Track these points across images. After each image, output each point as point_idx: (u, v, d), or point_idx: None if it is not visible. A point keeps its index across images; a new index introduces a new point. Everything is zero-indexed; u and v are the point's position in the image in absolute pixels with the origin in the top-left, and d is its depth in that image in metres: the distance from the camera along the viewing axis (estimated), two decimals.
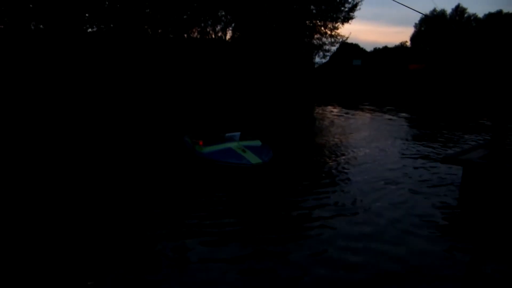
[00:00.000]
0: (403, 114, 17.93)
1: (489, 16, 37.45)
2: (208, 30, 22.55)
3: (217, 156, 7.85)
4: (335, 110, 20.22)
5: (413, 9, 28.02)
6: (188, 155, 8.83)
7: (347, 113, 18.72)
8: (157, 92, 16.84)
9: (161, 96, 16.79)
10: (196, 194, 6.65)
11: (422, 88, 26.61)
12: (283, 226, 5.42)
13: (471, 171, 6.13)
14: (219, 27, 23.08)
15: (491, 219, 5.50)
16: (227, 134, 8.97)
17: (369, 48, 39.24)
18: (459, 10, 40.53)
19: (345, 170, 8.32)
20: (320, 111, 19.89)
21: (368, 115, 18.39)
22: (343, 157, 9.61)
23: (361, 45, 39.91)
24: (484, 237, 5.03)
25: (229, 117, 14.73)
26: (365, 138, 12.27)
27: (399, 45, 40.69)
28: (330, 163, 9.00)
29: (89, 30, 17.67)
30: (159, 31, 19.61)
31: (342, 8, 25.28)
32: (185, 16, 20.04)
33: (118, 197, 6.35)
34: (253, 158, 7.65)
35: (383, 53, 37.49)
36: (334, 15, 25.66)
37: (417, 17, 52.77)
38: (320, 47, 27.38)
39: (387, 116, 17.36)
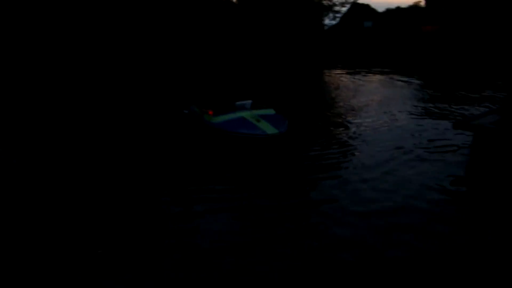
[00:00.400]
0: (415, 78, 17.54)
1: None
2: None
3: (230, 126, 7.47)
4: (345, 73, 19.86)
5: None
6: (197, 125, 8.61)
7: (357, 77, 18.38)
8: (160, 59, 16.54)
9: (164, 63, 16.50)
10: (207, 166, 6.86)
11: (435, 51, 25.85)
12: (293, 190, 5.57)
13: (482, 137, 6.04)
14: None
15: (500, 186, 5.47)
16: (237, 103, 8.55)
17: (381, 9, 38.13)
18: None
19: (357, 136, 8.31)
20: (329, 76, 19.56)
21: (379, 78, 18.04)
22: (354, 122, 9.54)
23: (373, 6, 38.75)
24: (490, 205, 5.02)
25: (235, 84, 14.55)
26: (376, 103, 12.11)
27: (412, 5, 39.26)
28: (341, 131, 8.96)
29: None
30: None
31: None
32: None
33: (125, 172, 6.51)
34: (268, 128, 7.21)
35: (396, 14, 36.21)
36: None
37: None
38: (330, 8, 26.55)
39: (399, 80, 17.01)
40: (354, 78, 18.13)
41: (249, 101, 8.66)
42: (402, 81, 16.87)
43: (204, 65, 17.40)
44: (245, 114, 7.78)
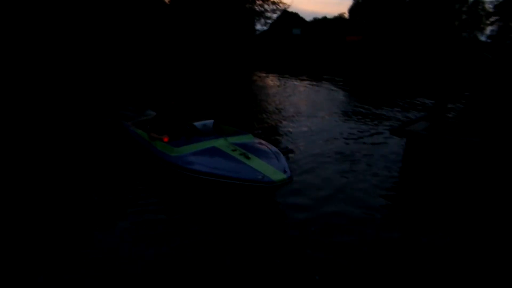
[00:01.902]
0: (341, 84, 18.16)
1: None
2: None
3: (203, 164, 4.91)
4: (274, 78, 20.01)
5: None
6: (143, 153, 6.29)
7: (287, 82, 18.56)
8: (79, 61, 15.20)
9: (83, 65, 15.19)
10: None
11: (358, 59, 27.26)
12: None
13: (414, 142, 6.20)
14: None
15: (431, 189, 5.63)
16: (197, 123, 6.22)
17: (308, 18, 39.40)
18: None
19: (290, 141, 8.13)
20: (259, 79, 19.59)
21: (308, 83, 18.37)
22: (286, 127, 9.44)
23: (301, 15, 39.91)
24: (423, 207, 5.12)
25: (164, 88, 13.87)
26: (306, 108, 12.17)
27: (337, 16, 41.29)
28: (275, 136, 8.76)
29: None
30: None
31: None
32: None
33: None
34: (268, 170, 4.56)
35: (322, 23, 37.78)
36: None
37: None
38: (261, 13, 26.83)
39: (325, 87, 17.46)
40: (284, 83, 18.27)
41: (211, 121, 6.34)
42: (329, 87, 17.35)
43: (131, 68, 16.41)
44: (217, 143, 5.34)
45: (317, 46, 31.08)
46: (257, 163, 4.70)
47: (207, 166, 4.85)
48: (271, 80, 19.29)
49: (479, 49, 19.38)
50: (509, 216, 4.79)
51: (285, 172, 4.59)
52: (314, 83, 18.58)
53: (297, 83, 18.58)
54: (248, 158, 4.81)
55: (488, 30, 31.25)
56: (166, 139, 5.58)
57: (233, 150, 5.06)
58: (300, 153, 7.14)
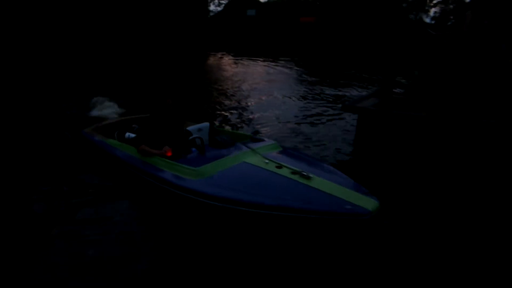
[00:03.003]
0: (296, 65, 18.39)
1: None
2: None
3: (253, 191, 3.35)
4: (229, 59, 19.89)
5: None
6: (131, 180, 4.48)
7: (242, 63, 18.53)
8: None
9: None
10: None
11: (313, 40, 27.61)
12: None
13: (365, 118, 6.46)
14: None
15: (382, 161, 5.94)
16: (191, 127, 4.73)
17: None
18: None
19: (239, 118, 8.23)
20: (214, 60, 19.39)
21: (262, 64, 18.44)
22: (237, 106, 9.49)
23: None
24: (373, 178, 5.38)
25: (111, 77, 13.34)
26: (262, 88, 12.25)
27: None
28: (224, 113, 8.80)
29: None
30: None
31: None
32: None
33: None
34: (349, 194, 3.25)
35: (277, 4, 37.69)
36: None
37: None
38: None
39: (281, 67, 17.62)
40: (239, 64, 18.24)
41: (206, 124, 4.94)
42: (285, 67, 17.52)
43: (70, 58, 15.62)
44: (247, 157, 4.01)
45: (272, 27, 31.07)
46: (325, 185, 3.38)
47: (260, 194, 3.28)
48: (227, 62, 19.15)
49: (424, 27, 20.25)
50: (447, 182, 5.15)
51: (366, 194, 3.30)
52: (270, 63, 18.66)
53: (253, 63, 18.58)
54: (308, 178, 3.46)
55: (432, 11, 32.64)
56: (169, 153, 4.09)
57: (278, 167, 3.71)
58: (261, 125, 7.23)
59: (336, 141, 6.77)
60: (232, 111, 8.91)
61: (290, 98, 10.65)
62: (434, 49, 6.80)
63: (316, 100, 10.39)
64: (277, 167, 3.73)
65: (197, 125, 4.86)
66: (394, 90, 7.62)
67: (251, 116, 8.46)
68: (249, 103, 9.84)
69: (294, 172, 3.58)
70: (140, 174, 4.20)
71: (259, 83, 12.88)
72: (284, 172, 3.62)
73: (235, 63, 18.61)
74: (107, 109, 8.12)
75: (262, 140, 4.61)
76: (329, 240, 3.43)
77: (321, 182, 3.43)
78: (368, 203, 3.12)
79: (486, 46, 6.61)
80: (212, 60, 19.67)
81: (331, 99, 10.52)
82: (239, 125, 7.76)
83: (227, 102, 9.96)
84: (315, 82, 13.61)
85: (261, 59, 20.39)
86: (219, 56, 20.91)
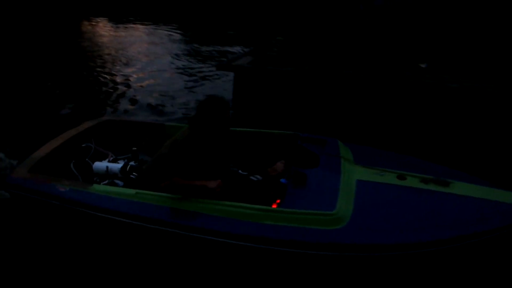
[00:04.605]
0: (176, 29, 18.08)
1: None
2: None
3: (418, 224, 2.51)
4: (106, 24, 18.65)
5: None
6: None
7: (120, 28, 17.57)
8: None
9: None
10: None
11: (190, 2, 27.09)
12: None
13: (241, 75, 6.89)
14: None
15: (259, 115, 6.50)
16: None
17: None
18: None
19: (131, 89, 8.10)
20: (89, 26, 18.01)
21: (142, 29, 17.73)
22: (127, 74, 9.25)
23: None
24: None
25: None
26: (145, 53, 11.95)
27: None
28: (107, 78, 8.53)
29: None
30: None
31: None
32: None
33: None
34: (505, 196, 2.75)
35: None
36: None
37: None
38: None
39: (161, 30, 17.20)
40: (117, 29, 17.28)
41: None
42: (165, 31, 17.12)
43: None
44: (349, 170, 3.02)
45: None
46: (469, 189, 2.82)
47: (425, 225, 2.50)
48: (103, 27, 17.92)
49: None
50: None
51: (498, 187, 2.89)
52: (149, 28, 17.99)
53: (131, 28, 17.71)
54: (446, 184, 2.84)
55: None
56: (276, 204, 2.68)
57: (401, 179, 2.94)
58: (143, 95, 7.24)
59: None
60: (112, 86, 8.64)
61: (172, 64, 10.64)
62: (299, 11, 7.43)
63: (197, 64, 10.58)
64: (398, 177, 2.95)
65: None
66: (268, 50, 8.17)
67: (130, 89, 8.31)
68: (130, 74, 9.60)
69: (424, 181, 2.89)
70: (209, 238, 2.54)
71: (139, 51, 12.49)
72: (413, 182, 2.89)
73: (113, 28, 17.53)
74: None
75: (324, 139, 3.54)
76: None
77: (463, 186, 2.84)
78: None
79: (345, 7, 7.47)
80: (86, 27, 18.20)
81: (211, 60, 10.79)
82: (114, 87, 7.62)
83: (104, 70, 9.56)
84: (196, 44, 13.67)
85: (140, 23, 19.51)
86: (94, 22, 19.40)
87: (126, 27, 17.80)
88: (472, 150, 5.39)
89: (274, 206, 2.65)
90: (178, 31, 17.14)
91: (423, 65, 6.73)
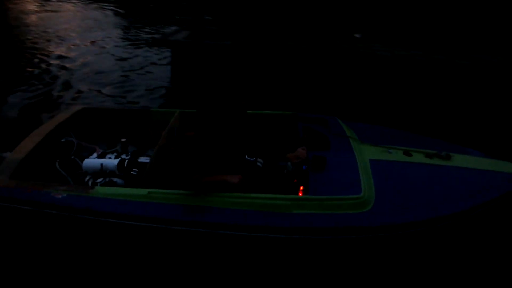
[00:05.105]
0: (111, 5, 17.19)
1: None
2: None
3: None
4: (33, 1, 17.31)
5: None
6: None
7: (48, 4, 16.40)
8: None
9: None
10: None
11: None
12: None
13: (178, 50, 6.71)
14: None
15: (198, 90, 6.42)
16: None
17: None
18: None
19: (57, 63, 7.63)
20: (14, 4, 16.63)
21: (72, 4, 16.68)
22: (52, 52, 8.69)
23: None
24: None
25: None
26: (78, 31, 11.27)
27: None
28: (38, 61, 7.99)
29: None
30: None
31: None
32: None
33: None
34: (500, 165, 3.04)
35: None
36: None
37: None
38: None
39: (95, 7, 16.26)
40: (46, 6, 16.11)
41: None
42: (99, 7, 16.23)
43: None
44: (360, 149, 3.09)
45: None
46: (468, 161, 3.05)
47: (441, 199, 2.64)
48: (31, 4, 16.61)
49: None
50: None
51: (494, 157, 3.17)
52: (80, 4, 16.95)
53: (60, 4, 16.57)
54: (448, 158, 3.02)
55: None
56: (301, 191, 2.65)
57: (407, 155, 3.06)
58: (76, 78, 6.88)
59: (155, 80, 6.93)
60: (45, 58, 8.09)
61: (106, 42, 10.10)
62: None
63: (133, 40, 10.15)
64: (405, 153, 3.07)
65: None
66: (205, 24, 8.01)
67: (62, 71, 7.80)
68: (62, 55, 9.00)
69: (428, 156, 3.04)
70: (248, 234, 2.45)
71: (72, 29, 11.73)
72: (419, 158, 3.02)
73: (41, 5, 16.30)
74: None
75: (324, 118, 3.57)
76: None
77: (462, 159, 3.04)
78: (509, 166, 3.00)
79: None
80: (11, 5, 16.78)
81: (147, 40, 10.39)
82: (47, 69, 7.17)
83: (35, 51, 8.92)
84: (133, 21, 13.10)
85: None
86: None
87: (55, 3, 16.63)
88: (405, 116, 5.67)
89: (300, 194, 2.61)
90: (112, 7, 16.30)
91: (357, 35, 6.91)
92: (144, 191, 2.50)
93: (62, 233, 2.70)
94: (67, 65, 7.73)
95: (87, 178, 3.03)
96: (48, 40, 9.96)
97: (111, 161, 3.03)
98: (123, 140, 3.31)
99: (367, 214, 2.44)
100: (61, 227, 2.63)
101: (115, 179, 2.99)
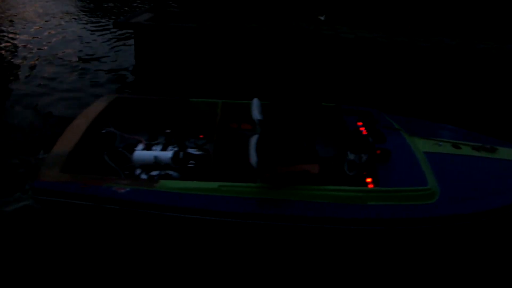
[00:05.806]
0: None
1: None
2: None
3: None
4: None
5: None
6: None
7: None
8: None
9: None
10: None
11: None
12: None
13: (141, 32, 6.55)
14: None
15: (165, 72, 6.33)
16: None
17: None
18: None
19: (27, 52, 7.37)
20: None
21: None
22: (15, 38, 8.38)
23: None
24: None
25: None
26: (35, 11, 10.85)
27: None
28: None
29: None
30: None
31: None
32: None
33: None
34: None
35: None
36: None
37: None
38: None
39: None
40: None
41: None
42: None
43: None
44: (414, 142, 3.19)
45: None
46: (509, 153, 3.18)
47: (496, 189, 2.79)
48: None
49: None
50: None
51: None
52: None
53: None
54: (493, 151, 3.16)
55: None
56: (371, 182, 2.71)
57: (456, 147, 3.19)
58: (41, 61, 6.68)
59: (117, 60, 6.78)
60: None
61: (69, 24, 9.77)
62: None
63: (96, 23, 9.85)
64: (453, 146, 3.20)
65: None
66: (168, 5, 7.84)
67: (24, 55, 7.50)
68: (23, 39, 8.66)
69: (475, 148, 3.18)
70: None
71: (33, 11, 11.27)
72: (468, 151, 3.15)
73: None
74: None
75: (369, 112, 3.58)
76: None
77: (506, 152, 3.18)
78: None
79: None
80: None
81: (110, 19, 10.11)
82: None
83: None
84: (93, 9, 12.70)
85: None
86: None
87: None
88: (368, 97, 5.76)
89: (370, 186, 2.66)
90: None
91: (321, 17, 6.93)
92: (214, 185, 2.44)
93: (125, 229, 2.58)
94: (31, 50, 7.46)
95: (138, 171, 2.89)
96: (8, 23, 9.57)
97: (164, 153, 2.91)
98: (167, 131, 3.20)
99: (435, 204, 2.54)
100: (123, 222, 2.48)
101: (170, 172, 2.88)
